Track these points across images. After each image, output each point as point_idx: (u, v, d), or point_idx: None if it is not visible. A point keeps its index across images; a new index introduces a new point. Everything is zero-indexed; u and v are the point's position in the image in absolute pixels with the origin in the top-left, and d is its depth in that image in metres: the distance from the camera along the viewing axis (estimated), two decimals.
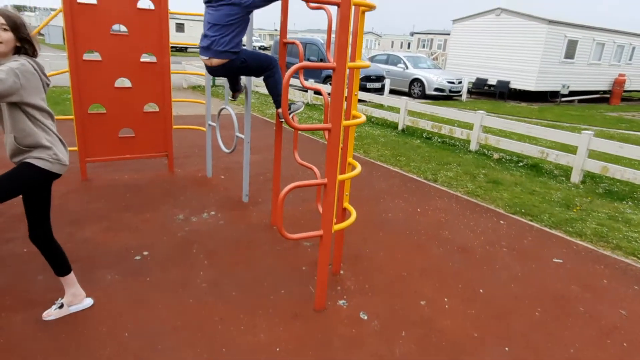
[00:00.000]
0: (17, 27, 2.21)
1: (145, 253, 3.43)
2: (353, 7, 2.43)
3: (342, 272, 3.35)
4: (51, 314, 2.63)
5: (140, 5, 4.76)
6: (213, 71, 3.79)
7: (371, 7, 2.66)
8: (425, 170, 6.30)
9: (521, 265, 3.66)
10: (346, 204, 3.15)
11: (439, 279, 3.36)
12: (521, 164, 6.93)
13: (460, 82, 16.22)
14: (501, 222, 4.58)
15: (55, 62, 12.69)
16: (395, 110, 9.66)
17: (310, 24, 60.77)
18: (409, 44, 52.34)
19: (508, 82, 17.05)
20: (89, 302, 2.77)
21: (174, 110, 5.46)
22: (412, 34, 52.42)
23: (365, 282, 3.24)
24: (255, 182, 5.02)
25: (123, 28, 4.82)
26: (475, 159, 7.11)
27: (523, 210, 4.90)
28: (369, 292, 3.11)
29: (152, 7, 4.84)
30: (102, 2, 4.56)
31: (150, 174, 5.31)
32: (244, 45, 3.78)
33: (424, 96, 15.82)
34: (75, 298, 2.70)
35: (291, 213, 4.38)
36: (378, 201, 4.96)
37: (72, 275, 2.67)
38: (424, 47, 43.54)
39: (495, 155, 7.29)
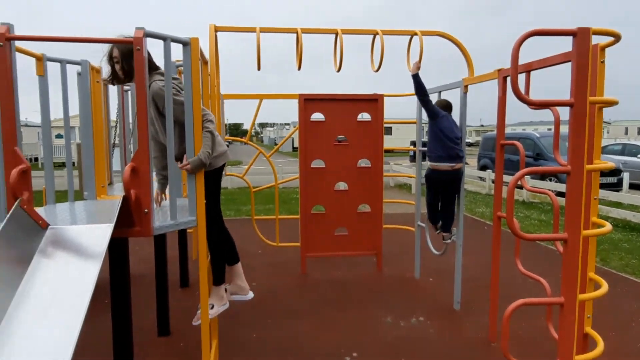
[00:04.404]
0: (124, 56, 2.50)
1: (355, 354, 3.41)
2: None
3: None
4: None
5: (359, 118, 5.33)
6: (448, 175, 4.24)
7: (611, 103, 2.34)
8: None
9: None
10: (588, 329, 2.58)
11: None
12: None
13: None
14: None
15: (285, 168, 15.04)
16: None
17: (520, 117, 58.04)
18: None
19: None
20: (251, 295, 3.04)
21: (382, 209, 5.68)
22: None
23: None
24: (467, 288, 4.64)
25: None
26: None
27: None
28: None
29: (369, 118, 5.36)
30: (329, 118, 5.28)
31: (360, 272, 5.48)
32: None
33: None
34: (241, 290, 2.99)
35: (513, 329, 3.80)
36: (628, 326, 3.94)
37: (240, 265, 2.96)
38: None
39: None
